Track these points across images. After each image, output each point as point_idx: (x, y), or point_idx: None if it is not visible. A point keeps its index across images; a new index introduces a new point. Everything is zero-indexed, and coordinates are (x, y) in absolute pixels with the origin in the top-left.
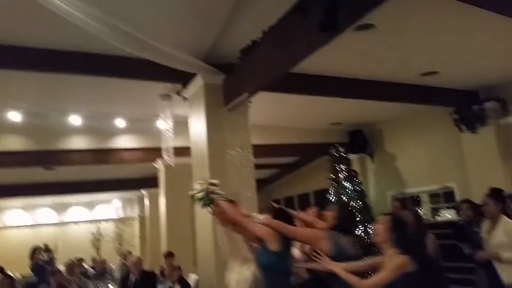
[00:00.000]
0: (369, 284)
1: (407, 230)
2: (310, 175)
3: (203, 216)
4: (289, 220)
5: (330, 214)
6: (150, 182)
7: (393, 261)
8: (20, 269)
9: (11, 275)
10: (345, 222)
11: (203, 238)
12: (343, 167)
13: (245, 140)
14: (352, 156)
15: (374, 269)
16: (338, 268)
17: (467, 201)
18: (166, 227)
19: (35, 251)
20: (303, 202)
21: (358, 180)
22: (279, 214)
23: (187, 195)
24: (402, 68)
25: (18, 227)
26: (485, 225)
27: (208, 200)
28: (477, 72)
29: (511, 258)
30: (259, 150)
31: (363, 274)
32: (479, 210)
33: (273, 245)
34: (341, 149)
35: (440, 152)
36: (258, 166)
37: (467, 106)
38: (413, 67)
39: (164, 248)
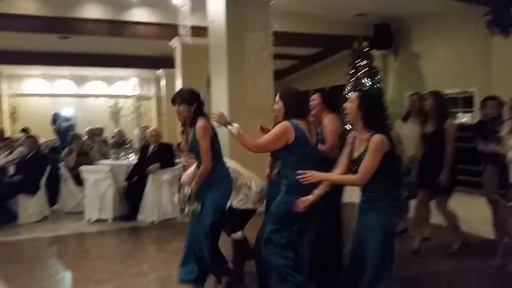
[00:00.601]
0: (362, 177)
1: (377, 107)
2: (329, 69)
3: (219, 100)
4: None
5: (277, 106)
6: (167, 62)
7: (373, 143)
8: (41, 136)
9: (34, 135)
10: (295, 108)
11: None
12: (364, 62)
13: (266, 21)
14: (374, 52)
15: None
16: (329, 176)
17: (494, 98)
18: None
19: (56, 116)
20: None
21: (378, 78)
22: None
23: (203, 77)
24: None
25: (38, 95)
26: (508, 125)
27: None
28: None
29: None
30: (279, 38)
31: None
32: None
33: None
34: (364, 43)
35: (466, 55)
36: (276, 56)
37: (504, 7)
38: None
39: (179, 127)
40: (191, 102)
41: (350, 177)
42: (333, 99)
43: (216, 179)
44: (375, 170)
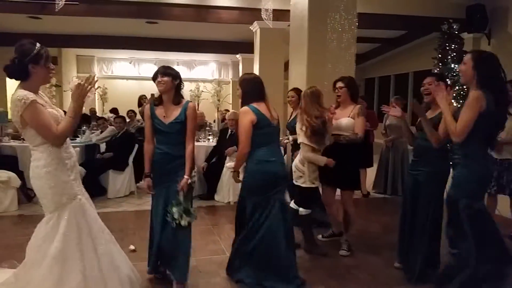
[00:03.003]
0: (458, 128)
1: (493, 69)
2: (413, 53)
3: (297, 84)
4: None
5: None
6: (245, 46)
7: (469, 98)
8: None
9: (123, 115)
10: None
11: None
12: (453, 46)
13: (351, 2)
14: (466, 35)
15: None
16: (445, 106)
17: None
18: None
19: (142, 98)
20: (400, 83)
21: None
22: None
23: (281, 61)
24: None
25: (125, 78)
26: None
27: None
28: None
29: None
30: (360, 19)
31: None
32: None
33: None
34: (455, 25)
35: None
36: (356, 39)
37: None
38: None
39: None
40: (175, 78)
41: (454, 122)
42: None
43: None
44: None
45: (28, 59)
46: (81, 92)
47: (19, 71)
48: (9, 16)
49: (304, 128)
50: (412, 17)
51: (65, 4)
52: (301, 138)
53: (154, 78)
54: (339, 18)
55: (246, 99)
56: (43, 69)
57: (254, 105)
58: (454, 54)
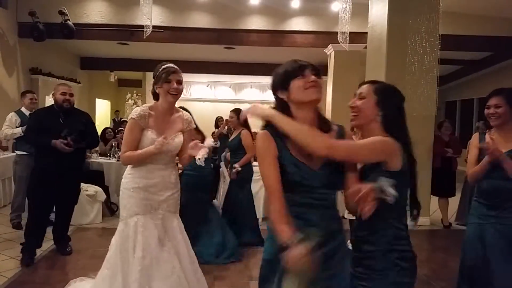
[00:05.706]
0: None
1: (400, 108)
2: (499, 76)
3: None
4: None
5: None
6: None
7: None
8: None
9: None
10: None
11: None
12: None
13: (433, 24)
14: None
15: None
16: None
17: None
18: (330, 117)
19: (219, 120)
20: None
21: None
22: None
23: (355, 83)
24: None
25: (202, 100)
26: None
27: None
28: None
29: None
30: (442, 41)
31: None
32: None
33: None
34: None
35: None
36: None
37: None
38: None
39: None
40: None
41: None
42: None
43: None
44: None
45: (154, 81)
46: (159, 147)
47: (152, 92)
48: (100, 43)
49: None
50: (500, 38)
51: (152, 31)
52: None
53: (290, 79)
54: (420, 40)
55: None
56: (161, 90)
57: None
58: None
